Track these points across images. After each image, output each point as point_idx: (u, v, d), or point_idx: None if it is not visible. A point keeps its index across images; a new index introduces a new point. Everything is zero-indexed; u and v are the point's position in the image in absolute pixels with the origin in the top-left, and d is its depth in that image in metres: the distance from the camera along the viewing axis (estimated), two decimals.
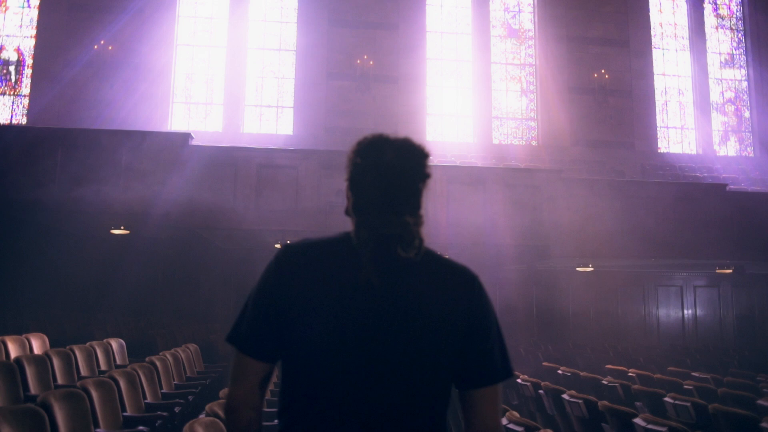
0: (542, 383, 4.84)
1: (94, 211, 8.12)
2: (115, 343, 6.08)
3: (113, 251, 9.87)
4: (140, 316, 9.88)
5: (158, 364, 4.80)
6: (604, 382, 5.37)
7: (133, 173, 8.40)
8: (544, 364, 7.22)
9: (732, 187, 11.88)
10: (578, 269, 12.15)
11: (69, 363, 4.77)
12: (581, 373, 5.87)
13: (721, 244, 10.40)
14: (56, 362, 4.55)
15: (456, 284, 1.29)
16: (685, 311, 14.35)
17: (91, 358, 5.27)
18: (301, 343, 1.23)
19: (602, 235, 9.42)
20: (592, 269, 12.11)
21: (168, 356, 5.25)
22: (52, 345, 6.11)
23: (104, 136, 8.45)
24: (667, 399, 4.29)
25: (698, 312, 14.38)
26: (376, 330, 1.21)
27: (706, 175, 14.10)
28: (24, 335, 5.82)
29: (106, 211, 8.17)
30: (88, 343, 5.50)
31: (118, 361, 5.93)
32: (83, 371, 5.00)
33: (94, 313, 9.46)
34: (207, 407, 2.80)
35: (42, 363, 4.36)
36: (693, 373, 6.51)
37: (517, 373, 5.47)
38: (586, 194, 9.71)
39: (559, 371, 6.24)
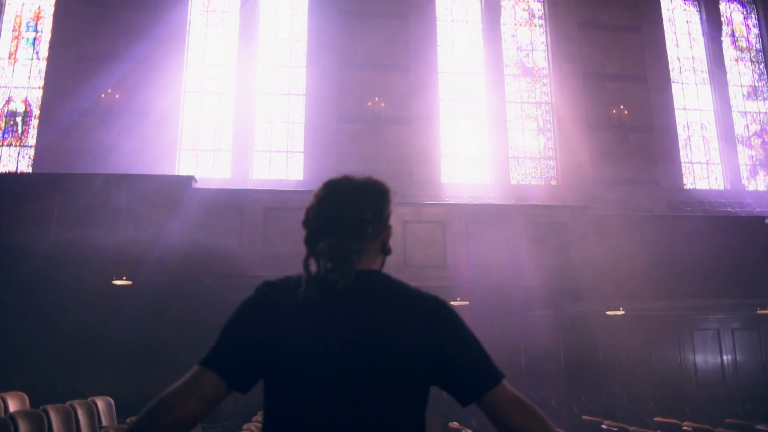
0: None
1: (89, 259, 7.61)
2: (101, 402, 5.43)
3: (112, 301, 9.29)
4: (141, 372, 9.20)
5: None
6: None
7: (132, 218, 7.91)
8: (585, 417, 6.44)
9: None
10: (608, 313, 11.37)
11: (40, 427, 4.13)
12: (630, 428, 5.10)
13: (761, 281, 9.64)
14: (22, 427, 3.92)
15: (420, 306, 1.32)
16: (724, 356, 13.40)
17: (69, 420, 4.62)
18: (276, 372, 1.27)
19: (636, 275, 8.70)
20: (623, 312, 11.33)
21: None
22: (34, 404, 5.48)
23: (100, 180, 8.00)
24: None
25: (738, 357, 13.42)
26: (337, 357, 1.24)
27: (738, 209, 13.39)
28: (0, 394, 5.21)
29: (102, 258, 7.65)
30: (68, 403, 4.87)
31: (105, 423, 5.27)
32: None
33: (90, 369, 8.81)
34: None
35: (5, 428, 3.74)
36: (758, 426, 5.70)
37: (559, 430, 4.73)
38: (616, 231, 9.05)
39: (604, 426, 5.48)
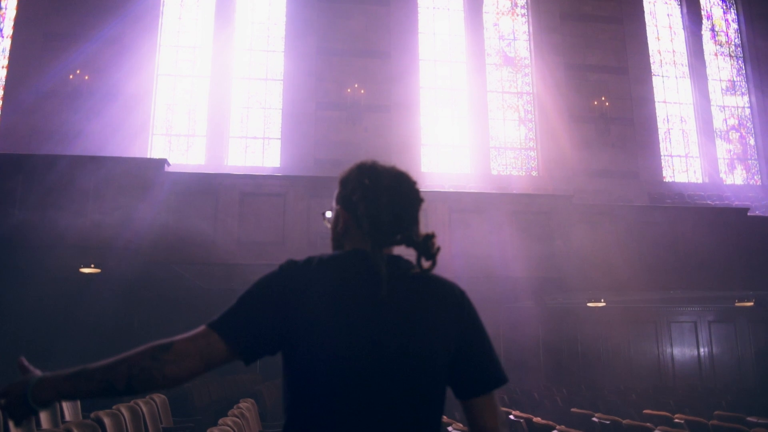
0: None
1: (53, 244, 7.18)
2: None
3: (78, 288, 8.84)
4: None
5: (107, 421, 3.82)
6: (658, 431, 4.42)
7: (99, 202, 7.49)
8: (573, 410, 6.26)
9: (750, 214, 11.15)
10: (589, 304, 11.26)
11: None
12: (624, 422, 4.92)
13: (743, 273, 9.59)
14: None
15: (449, 297, 1.34)
16: (701, 349, 13.44)
17: None
18: (308, 353, 1.23)
19: (621, 265, 8.55)
20: (604, 304, 11.23)
21: (124, 411, 4.26)
22: None
23: (66, 162, 7.56)
24: None
25: (714, 350, 13.47)
26: (388, 342, 1.23)
27: (717, 202, 13.39)
28: None
29: (67, 243, 7.23)
30: None
31: (68, 417, 4.91)
32: None
33: (54, 361, 8.34)
34: None
35: None
36: (748, 418, 5.57)
37: (550, 423, 4.52)
38: (601, 221, 8.91)
39: (595, 419, 5.28)
